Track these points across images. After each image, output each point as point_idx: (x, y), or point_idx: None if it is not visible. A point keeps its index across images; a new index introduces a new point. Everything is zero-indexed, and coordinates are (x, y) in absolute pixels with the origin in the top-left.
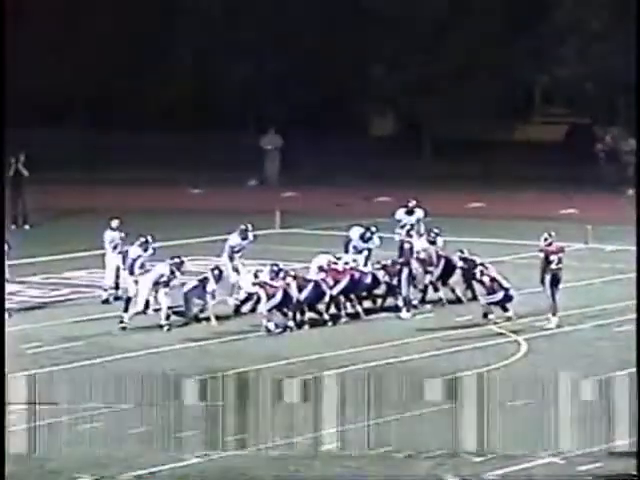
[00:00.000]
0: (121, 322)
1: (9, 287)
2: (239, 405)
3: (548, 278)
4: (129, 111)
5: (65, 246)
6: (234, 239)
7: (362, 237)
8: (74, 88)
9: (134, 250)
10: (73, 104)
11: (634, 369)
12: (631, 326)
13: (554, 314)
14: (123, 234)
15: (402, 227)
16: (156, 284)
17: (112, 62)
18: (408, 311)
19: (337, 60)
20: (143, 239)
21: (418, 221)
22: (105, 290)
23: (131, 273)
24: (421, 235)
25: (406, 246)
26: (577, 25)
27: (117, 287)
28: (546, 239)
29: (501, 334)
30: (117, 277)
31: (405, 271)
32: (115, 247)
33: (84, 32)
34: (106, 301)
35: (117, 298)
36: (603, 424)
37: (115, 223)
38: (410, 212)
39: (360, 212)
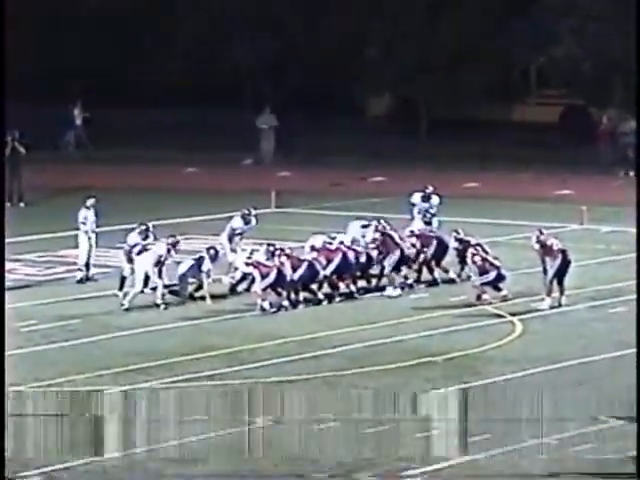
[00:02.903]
0: (122, 305)
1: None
2: None
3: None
4: (127, 90)
5: (60, 224)
6: (237, 222)
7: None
8: (72, 66)
9: (132, 237)
10: (71, 82)
11: (629, 350)
12: (625, 307)
13: (549, 295)
14: (92, 212)
15: (418, 213)
16: (157, 264)
17: (111, 41)
18: (395, 288)
19: (334, 40)
20: (143, 227)
21: (435, 208)
22: (80, 270)
23: (129, 260)
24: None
25: (377, 236)
26: (573, 6)
27: (88, 267)
28: (538, 238)
29: (496, 314)
30: (89, 257)
31: (389, 258)
32: (85, 224)
33: (85, 10)
34: (80, 281)
35: (88, 278)
36: (597, 405)
37: (90, 202)
38: (426, 198)
39: (356, 191)
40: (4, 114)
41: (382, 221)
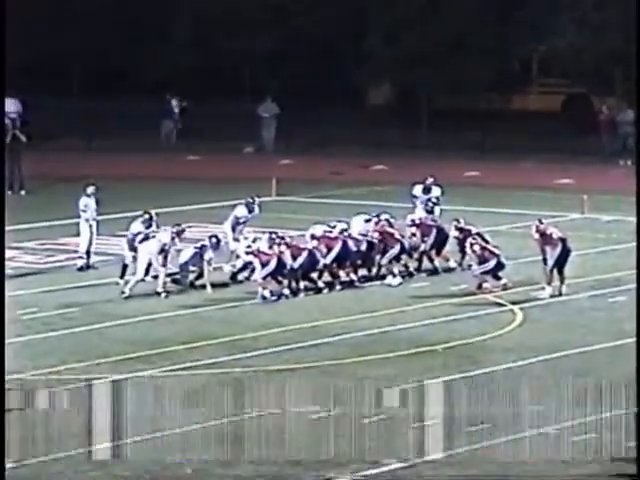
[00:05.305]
0: (123, 292)
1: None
2: None
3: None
4: (128, 79)
5: (61, 212)
6: (241, 210)
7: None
8: (74, 55)
9: (136, 225)
10: (72, 71)
11: (629, 339)
12: (626, 297)
13: (549, 283)
14: (93, 199)
15: (421, 203)
16: (160, 252)
17: (112, 30)
18: (395, 277)
19: (335, 29)
20: (147, 216)
21: (437, 199)
22: (80, 257)
23: (131, 248)
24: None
25: (375, 235)
26: None
27: (89, 255)
28: (537, 227)
29: (497, 303)
30: (90, 244)
31: (388, 254)
32: (86, 212)
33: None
34: (81, 269)
35: (89, 266)
36: (597, 394)
37: (90, 189)
38: (427, 190)
39: (356, 180)
40: (3, 104)
41: (382, 216)
